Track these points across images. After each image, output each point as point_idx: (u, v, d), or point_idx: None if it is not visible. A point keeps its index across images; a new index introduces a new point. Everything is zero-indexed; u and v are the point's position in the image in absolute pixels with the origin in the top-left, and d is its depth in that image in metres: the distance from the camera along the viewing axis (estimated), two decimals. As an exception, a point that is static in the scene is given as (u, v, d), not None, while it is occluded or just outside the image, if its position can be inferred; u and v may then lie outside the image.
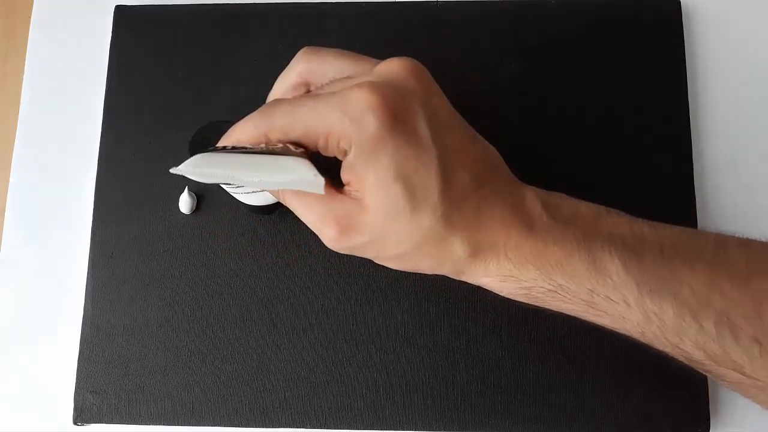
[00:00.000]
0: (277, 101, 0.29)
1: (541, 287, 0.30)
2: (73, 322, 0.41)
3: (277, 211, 0.40)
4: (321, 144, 0.28)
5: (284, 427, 0.39)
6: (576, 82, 0.43)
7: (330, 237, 0.29)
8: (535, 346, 0.39)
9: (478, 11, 0.45)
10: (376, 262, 0.31)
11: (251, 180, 0.28)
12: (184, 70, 0.44)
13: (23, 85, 0.46)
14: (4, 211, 0.44)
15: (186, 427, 0.40)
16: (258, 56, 0.44)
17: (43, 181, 0.44)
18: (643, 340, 0.30)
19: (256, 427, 0.39)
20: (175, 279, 0.41)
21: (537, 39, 0.44)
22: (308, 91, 0.32)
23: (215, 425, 0.39)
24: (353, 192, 0.28)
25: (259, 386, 0.39)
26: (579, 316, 0.31)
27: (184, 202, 0.41)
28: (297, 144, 0.28)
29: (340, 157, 0.28)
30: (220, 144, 0.30)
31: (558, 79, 0.43)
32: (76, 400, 0.40)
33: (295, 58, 0.32)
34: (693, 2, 0.46)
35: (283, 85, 0.32)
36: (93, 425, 0.40)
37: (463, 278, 0.31)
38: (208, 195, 0.42)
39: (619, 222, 0.30)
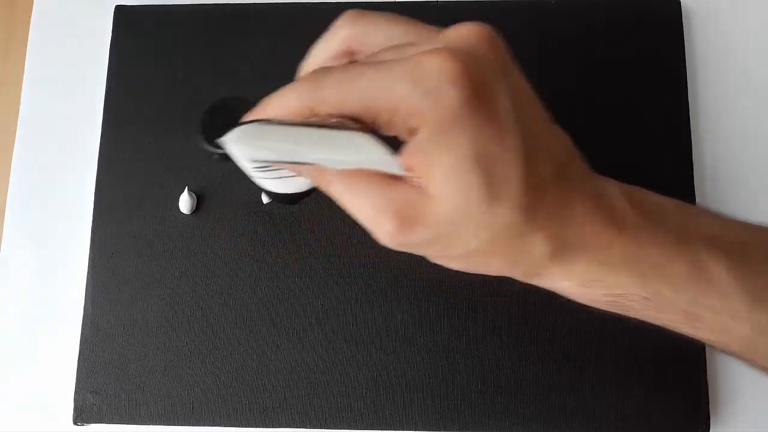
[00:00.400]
0: (326, 69, 0.24)
1: (634, 294, 0.26)
2: (73, 322, 0.41)
3: (301, 201, 0.35)
4: (383, 120, 0.23)
5: (284, 427, 0.39)
6: (576, 82, 0.43)
7: (388, 231, 0.24)
8: (535, 346, 0.39)
9: (478, 11, 0.45)
10: (434, 261, 0.27)
11: (315, 157, 0.24)
12: (184, 70, 0.44)
13: (23, 85, 0.46)
14: (4, 211, 0.44)
15: (186, 427, 0.40)
16: (258, 56, 0.44)
17: (43, 181, 0.44)
18: (744, 356, 0.27)
19: (256, 427, 0.39)
20: (175, 279, 0.41)
21: (537, 39, 0.44)
22: (352, 62, 0.27)
23: (215, 425, 0.39)
24: (416, 178, 0.23)
25: (259, 386, 0.39)
26: (671, 327, 0.28)
27: (184, 202, 0.41)
28: (351, 120, 0.24)
29: (404, 137, 0.24)
30: (249, 119, 0.26)
31: (558, 79, 0.43)
32: (76, 400, 0.40)
33: (337, 22, 0.27)
34: (693, 2, 0.46)
35: (323, 54, 0.28)
36: (93, 425, 0.40)
37: (536, 281, 0.27)
38: (208, 195, 0.42)
39: (711, 220, 0.27)
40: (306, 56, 0.29)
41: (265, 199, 0.41)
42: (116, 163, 0.43)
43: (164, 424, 0.39)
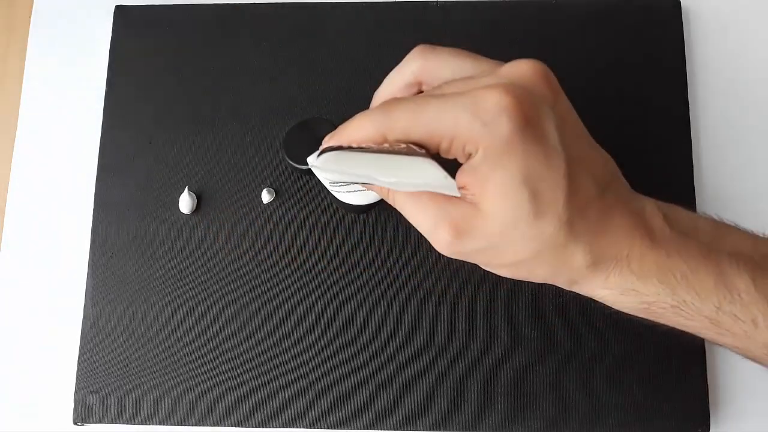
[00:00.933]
0: (397, 100, 0.28)
1: (664, 302, 0.28)
2: (73, 322, 0.41)
3: (369, 210, 0.40)
4: (444, 146, 0.27)
5: (284, 427, 0.39)
6: (576, 82, 0.43)
7: (444, 241, 0.28)
8: (535, 346, 0.39)
9: (478, 11, 0.45)
10: (485, 268, 0.30)
11: (386, 181, 0.28)
12: (184, 70, 0.44)
13: (23, 84, 0.46)
14: (4, 211, 0.44)
15: (186, 427, 0.40)
16: (257, 56, 0.44)
17: (43, 181, 0.44)
18: (765, 362, 0.29)
19: (256, 427, 0.39)
20: (175, 279, 0.41)
21: (537, 39, 0.44)
22: (420, 91, 0.31)
23: (215, 425, 0.39)
24: (469, 195, 0.27)
25: (259, 386, 0.39)
26: (698, 334, 0.29)
27: (184, 202, 0.41)
28: (417, 145, 0.27)
29: (461, 160, 0.27)
30: (329, 142, 0.30)
31: (558, 79, 0.43)
32: (76, 400, 0.40)
33: (409, 56, 0.31)
34: (693, 2, 0.46)
35: (395, 84, 0.31)
36: (93, 425, 0.40)
37: (576, 288, 0.30)
38: (208, 195, 0.42)
39: (741, 237, 0.29)
40: (381, 84, 0.32)
41: (265, 198, 0.41)
42: (116, 163, 0.43)
43: (164, 424, 0.39)
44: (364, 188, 0.33)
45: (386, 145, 0.27)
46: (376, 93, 0.33)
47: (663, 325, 0.30)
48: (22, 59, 0.46)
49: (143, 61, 0.44)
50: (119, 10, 0.46)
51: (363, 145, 0.28)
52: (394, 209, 0.30)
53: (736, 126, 0.44)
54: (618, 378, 0.39)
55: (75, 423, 0.40)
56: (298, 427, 0.39)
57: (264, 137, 0.43)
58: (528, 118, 0.25)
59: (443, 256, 0.40)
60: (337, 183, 0.33)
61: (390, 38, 0.44)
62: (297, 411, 0.39)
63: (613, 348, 0.39)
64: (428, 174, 0.27)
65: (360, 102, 0.43)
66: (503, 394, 0.39)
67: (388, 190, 0.30)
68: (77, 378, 0.40)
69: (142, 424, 0.39)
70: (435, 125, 0.26)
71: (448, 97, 0.26)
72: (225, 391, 0.39)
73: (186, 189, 0.42)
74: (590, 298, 0.40)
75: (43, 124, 0.45)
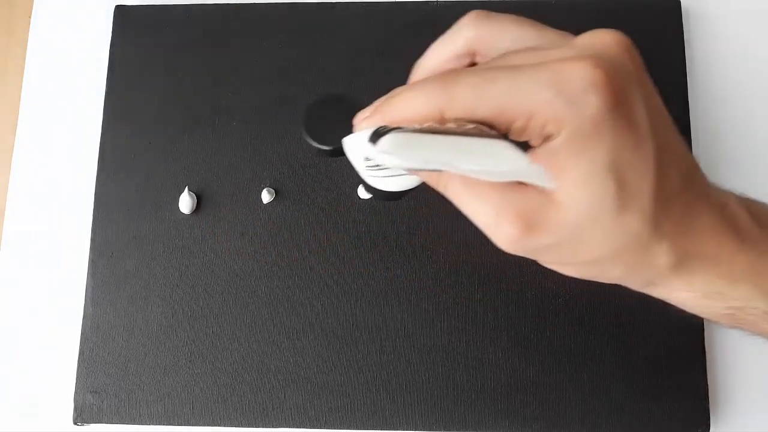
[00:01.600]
0: (458, 72, 0.24)
1: (754, 308, 0.25)
2: (73, 322, 0.41)
3: (401, 198, 0.35)
4: (518, 125, 0.23)
5: (284, 427, 0.39)
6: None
7: (509, 235, 0.24)
8: (535, 346, 0.39)
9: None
10: (548, 266, 0.26)
11: (468, 168, 0.23)
12: (184, 70, 0.44)
13: (23, 85, 0.46)
14: (4, 211, 0.44)
15: (186, 427, 0.40)
16: (258, 56, 0.44)
17: (43, 181, 0.44)
18: None
19: (256, 427, 0.39)
20: (175, 279, 0.41)
21: (537, 39, 0.44)
22: (473, 63, 0.27)
23: (215, 425, 0.39)
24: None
25: (259, 386, 0.39)
26: None
27: (184, 202, 0.41)
28: (482, 124, 0.24)
29: (534, 142, 0.24)
30: (370, 120, 0.26)
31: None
32: (76, 400, 0.40)
33: (462, 22, 0.27)
34: (693, 2, 0.46)
35: (443, 53, 0.27)
36: (93, 425, 0.40)
37: (651, 290, 0.27)
38: (208, 195, 0.42)
39: None
40: (424, 54, 0.29)
41: (265, 198, 0.41)
42: (116, 163, 0.43)
43: (164, 424, 0.39)
44: (407, 173, 0.29)
45: (451, 124, 0.24)
46: (417, 64, 0.29)
47: (662, 325, 0.29)
48: (22, 59, 0.46)
49: (143, 61, 0.44)
50: (119, 10, 0.46)
51: (424, 125, 0.24)
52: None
53: (736, 126, 0.44)
54: (618, 378, 0.39)
55: (75, 423, 0.40)
56: (298, 427, 0.39)
57: (264, 137, 0.43)
58: (618, 97, 0.22)
59: (443, 256, 0.41)
60: (374, 166, 0.29)
61: (390, 38, 0.44)
62: (297, 411, 0.39)
63: (613, 348, 0.39)
64: (508, 159, 0.23)
65: (360, 101, 0.43)
66: (503, 394, 0.39)
67: (439, 176, 0.26)
68: (77, 378, 0.40)
69: (142, 424, 0.39)
70: (508, 101, 0.23)
71: (523, 69, 0.23)
72: (225, 391, 0.39)
73: (186, 189, 0.42)
74: (590, 298, 0.40)
75: (43, 124, 0.45)
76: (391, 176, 0.30)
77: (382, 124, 0.25)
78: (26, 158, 0.45)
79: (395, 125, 0.24)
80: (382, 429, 0.39)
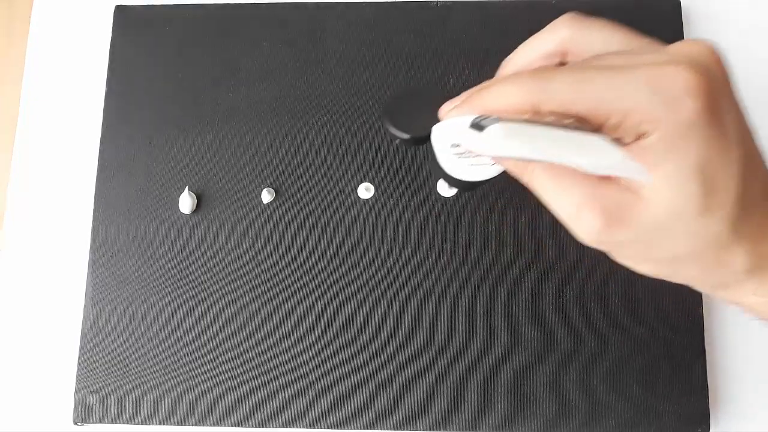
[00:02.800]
0: (555, 68, 0.25)
1: None
2: (73, 322, 0.41)
3: (477, 189, 0.37)
4: (613, 122, 0.24)
5: (284, 427, 0.39)
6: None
7: (591, 227, 0.25)
8: (535, 346, 0.39)
9: (477, 11, 0.45)
10: (622, 261, 0.27)
11: (566, 159, 0.24)
12: (184, 70, 0.44)
13: (23, 85, 0.46)
14: (4, 211, 0.44)
15: (186, 427, 0.40)
16: (257, 56, 0.44)
17: (43, 181, 0.44)
18: None
19: (256, 427, 0.39)
20: (175, 279, 0.41)
21: (537, 39, 0.44)
22: (562, 63, 0.28)
23: (215, 425, 0.39)
24: (625, 180, 0.24)
25: (259, 386, 0.39)
26: None
27: (184, 202, 0.41)
28: (576, 119, 0.25)
29: (627, 139, 0.25)
30: (461, 109, 0.27)
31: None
32: (76, 400, 0.40)
33: (556, 23, 0.28)
34: (693, 2, 0.46)
35: (535, 51, 0.29)
36: (93, 425, 0.40)
37: (722, 294, 0.27)
38: (208, 195, 0.42)
39: None
40: (515, 51, 0.30)
41: (265, 198, 0.41)
42: (116, 163, 0.43)
43: (164, 424, 0.39)
44: (490, 163, 0.30)
45: (550, 118, 0.25)
46: (506, 60, 0.30)
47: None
48: (22, 59, 0.46)
49: (143, 61, 0.44)
50: (119, 10, 0.46)
51: (522, 117, 0.25)
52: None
53: (736, 126, 0.44)
54: (618, 378, 0.39)
55: (75, 423, 0.40)
56: (298, 427, 0.39)
57: (264, 137, 0.43)
58: (712, 103, 0.23)
59: (443, 256, 0.41)
60: (460, 154, 0.30)
61: (390, 38, 0.44)
62: (297, 411, 0.39)
63: (613, 348, 0.39)
64: (606, 153, 0.24)
65: (360, 101, 0.43)
66: (503, 394, 0.39)
67: (525, 166, 0.27)
68: (77, 378, 0.40)
69: (142, 424, 0.39)
70: (605, 99, 0.24)
71: (622, 69, 0.24)
72: (225, 391, 0.39)
73: (186, 189, 0.42)
74: (590, 298, 0.40)
75: (43, 124, 0.45)
76: (475, 165, 0.31)
77: (474, 113, 0.26)
78: (26, 158, 0.45)
79: (487, 115, 0.25)
80: (382, 429, 0.39)
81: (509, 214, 0.41)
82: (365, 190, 0.42)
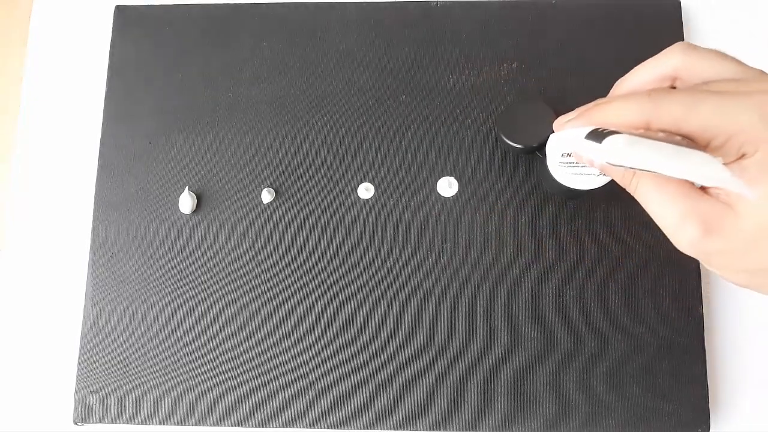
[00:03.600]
0: (668, 90, 0.28)
1: None
2: (73, 322, 0.41)
3: (580, 197, 0.41)
4: (718, 143, 0.27)
5: (284, 427, 0.39)
6: (576, 83, 0.43)
7: (691, 236, 0.27)
8: (535, 346, 0.39)
9: (478, 11, 0.45)
10: (715, 271, 0.29)
11: (676, 172, 0.26)
12: (184, 70, 0.44)
13: (23, 85, 0.46)
14: (5, 211, 0.44)
15: (186, 427, 0.40)
16: (257, 56, 0.44)
17: (43, 181, 0.44)
18: None
19: (256, 427, 0.39)
20: (175, 279, 0.41)
21: (537, 39, 0.44)
22: (672, 87, 0.31)
23: (215, 425, 0.39)
24: (723, 195, 0.27)
25: (259, 386, 0.39)
26: None
27: (184, 202, 0.41)
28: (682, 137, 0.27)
29: (728, 158, 0.27)
30: (576, 122, 0.30)
31: (558, 79, 0.43)
32: (76, 400, 0.40)
33: (670, 50, 0.31)
34: (693, 2, 0.46)
35: (648, 75, 0.31)
36: (93, 425, 0.40)
37: None
38: (208, 195, 0.42)
39: None
40: (630, 72, 0.33)
41: (265, 198, 0.41)
42: (116, 163, 0.43)
43: (164, 424, 0.39)
44: (595, 173, 0.34)
45: (661, 134, 0.27)
46: (620, 81, 0.33)
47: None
48: (22, 59, 0.46)
49: (143, 61, 0.44)
50: (119, 10, 0.46)
51: (636, 132, 0.27)
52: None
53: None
54: (618, 378, 0.39)
55: (75, 423, 0.40)
56: (298, 427, 0.39)
57: (264, 137, 0.43)
58: None
59: (443, 256, 0.41)
60: (568, 163, 0.35)
61: (390, 38, 0.44)
62: (297, 411, 0.39)
63: (613, 348, 0.39)
64: (713, 169, 0.26)
65: (360, 101, 0.43)
66: (503, 394, 0.39)
67: (632, 176, 0.29)
68: (77, 378, 0.40)
69: (142, 424, 0.39)
70: (714, 121, 0.26)
71: (731, 95, 0.26)
72: (225, 391, 0.39)
73: (186, 189, 0.42)
74: (590, 298, 0.40)
75: (43, 124, 0.45)
76: (582, 174, 0.35)
77: (590, 126, 0.29)
78: (26, 158, 0.45)
79: (602, 128, 0.28)
80: (382, 429, 0.39)
81: (509, 214, 0.41)
82: (365, 190, 0.42)
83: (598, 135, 0.28)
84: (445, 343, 0.40)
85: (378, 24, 0.45)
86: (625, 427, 0.38)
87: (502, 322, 0.40)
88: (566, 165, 0.35)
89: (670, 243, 0.37)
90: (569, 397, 0.39)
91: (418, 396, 0.39)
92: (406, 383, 0.39)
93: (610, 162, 0.28)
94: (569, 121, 0.31)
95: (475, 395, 0.39)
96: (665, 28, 0.44)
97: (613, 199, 0.41)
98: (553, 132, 0.34)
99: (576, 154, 0.32)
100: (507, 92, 0.43)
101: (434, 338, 0.40)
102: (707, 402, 0.38)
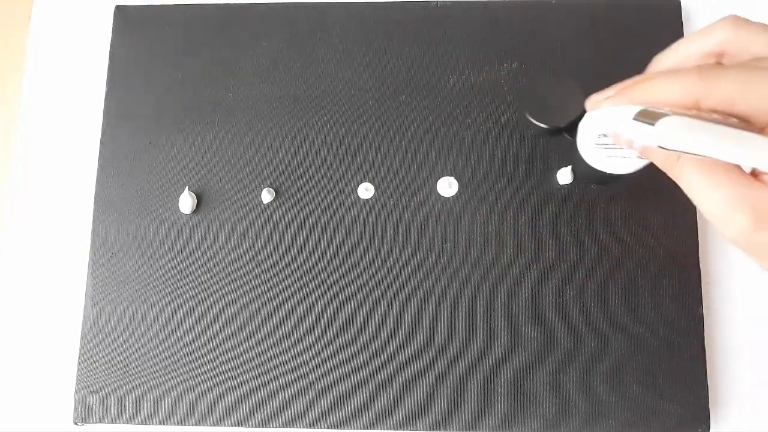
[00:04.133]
0: (721, 67, 0.26)
1: None
2: (73, 322, 0.41)
3: (610, 183, 0.40)
4: None
5: (284, 427, 0.39)
6: (576, 82, 0.43)
7: (741, 225, 0.25)
8: (535, 346, 0.39)
9: (478, 11, 0.45)
10: (760, 263, 0.27)
11: (736, 157, 0.24)
12: (184, 70, 0.44)
13: (23, 85, 0.46)
14: (5, 211, 0.44)
15: (186, 427, 0.40)
16: (258, 56, 0.44)
17: (43, 181, 0.44)
18: None
19: (256, 427, 0.39)
20: (175, 279, 0.41)
21: (537, 39, 0.44)
22: (718, 63, 0.29)
23: (215, 425, 0.39)
24: None
25: (259, 386, 0.39)
26: None
27: (184, 202, 0.41)
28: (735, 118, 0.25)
29: None
30: (615, 99, 0.28)
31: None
32: (76, 400, 0.40)
33: (717, 24, 0.29)
34: (693, 2, 0.46)
35: (693, 49, 0.29)
36: (93, 425, 0.40)
37: None
38: (208, 195, 0.42)
39: None
40: (669, 48, 0.30)
41: (265, 198, 0.41)
42: (116, 163, 0.43)
43: (164, 424, 0.39)
44: (626, 155, 0.32)
45: (716, 116, 0.25)
46: (660, 55, 0.31)
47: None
48: (22, 59, 0.46)
49: (143, 61, 0.44)
50: (119, 10, 0.46)
51: (689, 112, 0.25)
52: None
53: (736, 126, 0.44)
54: (618, 378, 0.39)
55: (75, 423, 0.40)
56: (298, 427, 0.39)
57: (264, 137, 0.43)
58: None
59: (443, 256, 0.41)
60: (604, 145, 0.32)
61: (390, 38, 0.44)
62: (297, 411, 0.39)
63: (613, 348, 0.39)
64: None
65: (360, 101, 0.43)
66: (503, 394, 0.39)
67: (675, 161, 0.27)
68: (77, 378, 0.40)
69: (142, 424, 0.39)
70: None
71: None
72: (225, 391, 0.39)
73: (186, 189, 0.42)
74: (590, 298, 0.40)
75: (43, 123, 0.45)
76: (618, 157, 0.33)
77: (631, 104, 0.26)
78: (26, 158, 0.45)
79: (650, 108, 0.26)
80: (382, 429, 0.39)
81: (509, 214, 0.41)
82: (365, 190, 0.42)
83: (648, 115, 0.26)
84: (445, 343, 0.40)
85: (378, 24, 0.45)
86: (625, 427, 0.38)
87: (502, 322, 0.40)
88: (602, 147, 0.33)
89: (670, 243, 0.37)
90: (569, 397, 0.39)
91: (418, 396, 0.39)
92: (406, 383, 0.39)
93: (663, 146, 0.26)
94: (607, 98, 0.29)
95: (475, 395, 0.39)
96: (665, 28, 0.44)
97: (613, 199, 0.41)
98: (585, 111, 0.32)
99: (614, 135, 0.29)
100: (507, 92, 0.43)
101: (434, 338, 0.40)
102: (707, 402, 0.38)
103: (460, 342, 0.40)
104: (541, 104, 0.35)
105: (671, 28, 0.44)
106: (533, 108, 0.35)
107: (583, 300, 0.40)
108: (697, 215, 0.41)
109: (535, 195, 0.41)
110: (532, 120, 0.35)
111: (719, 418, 0.40)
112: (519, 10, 0.45)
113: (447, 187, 0.41)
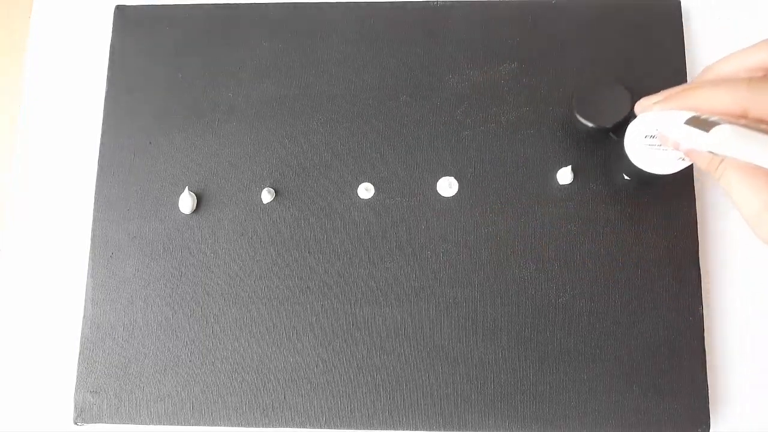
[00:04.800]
0: (765, 79, 0.27)
1: None
2: (73, 322, 0.41)
3: (654, 183, 0.41)
4: None
5: (284, 427, 0.39)
6: (576, 82, 0.43)
7: None
8: (535, 346, 0.39)
9: (478, 11, 0.45)
10: None
11: None
12: (184, 70, 0.44)
13: (23, 85, 0.46)
14: (5, 211, 0.44)
15: (186, 427, 0.40)
16: (257, 56, 0.44)
17: (43, 181, 0.44)
18: None
19: (256, 427, 0.39)
20: (175, 279, 0.41)
21: (537, 39, 0.44)
22: (766, 75, 0.30)
23: (215, 425, 0.39)
24: None
25: (259, 386, 0.39)
26: None
27: (184, 202, 0.41)
28: None
29: None
30: (664, 104, 0.30)
31: (558, 80, 0.43)
32: (76, 400, 0.40)
33: (759, 44, 0.30)
34: (693, 2, 0.46)
35: (740, 62, 0.31)
36: (93, 425, 0.40)
37: None
38: (208, 195, 0.42)
39: None
40: (720, 60, 0.32)
41: (265, 198, 0.41)
42: (116, 163, 0.43)
43: (164, 424, 0.39)
44: (672, 156, 0.34)
45: (764, 126, 0.26)
46: (709, 67, 0.32)
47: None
48: (22, 59, 0.46)
49: (143, 61, 0.44)
50: (119, 10, 0.46)
51: (740, 121, 0.26)
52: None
53: (736, 126, 0.44)
54: (618, 378, 0.39)
55: (75, 423, 0.40)
56: (298, 427, 0.39)
57: (264, 137, 0.43)
58: None
59: (443, 256, 0.41)
60: (652, 145, 0.34)
61: (390, 38, 0.44)
62: (297, 411, 0.39)
63: (613, 348, 0.39)
64: None
65: (360, 101, 0.43)
66: (503, 395, 0.39)
67: (718, 164, 0.29)
68: (77, 378, 0.40)
69: (142, 424, 0.39)
70: None
71: None
72: (225, 391, 0.39)
73: (186, 189, 0.42)
74: (590, 298, 0.40)
75: (43, 123, 0.45)
76: (663, 159, 0.35)
77: (680, 110, 0.29)
78: (26, 158, 0.45)
79: (703, 115, 0.27)
80: (382, 429, 0.39)
81: (509, 214, 0.41)
82: (365, 190, 0.42)
83: (701, 123, 0.27)
84: (445, 343, 0.40)
85: (378, 24, 0.45)
86: (625, 427, 0.38)
87: (502, 322, 0.40)
88: (648, 147, 0.35)
89: (670, 243, 0.37)
90: (569, 397, 0.39)
91: (418, 396, 0.39)
92: (406, 383, 0.39)
93: (714, 151, 0.27)
94: (657, 102, 0.31)
95: (475, 395, 0.39)
96: (665, 28, 0.44)
97: (613, 199, 0.41)
98: (633, 114, 0.34)
99: (662, 137, 0.32)
100: (507, 92, 0.43)
101: (434, 338, 0.40)
102: (707, 402, 0.38)
103: (460, 342, 0.40)
104: (592, 107, 0.39)
105: (671, 28, 0.44)
106: (584, 110, 0.39)
107: (583, 300, 0.40)
108: (697, 215, 0.41)
109: (535, 195, 0.41)
110: (582, 120, 0.39)
111: (719, 418, 0.40)
112: (519, 10, 0.45)
113: (447, 187, 0.41)
